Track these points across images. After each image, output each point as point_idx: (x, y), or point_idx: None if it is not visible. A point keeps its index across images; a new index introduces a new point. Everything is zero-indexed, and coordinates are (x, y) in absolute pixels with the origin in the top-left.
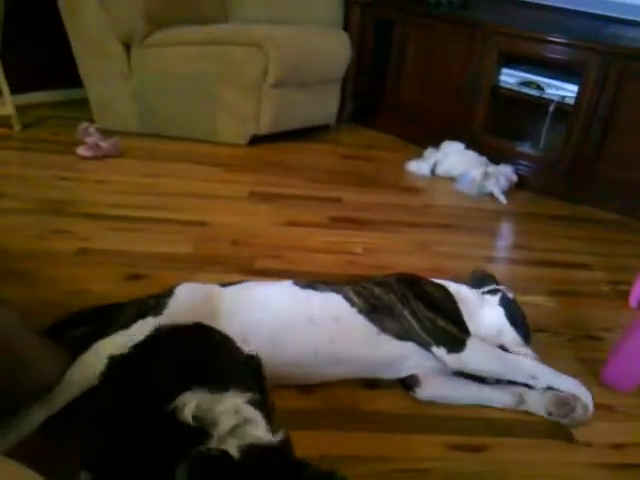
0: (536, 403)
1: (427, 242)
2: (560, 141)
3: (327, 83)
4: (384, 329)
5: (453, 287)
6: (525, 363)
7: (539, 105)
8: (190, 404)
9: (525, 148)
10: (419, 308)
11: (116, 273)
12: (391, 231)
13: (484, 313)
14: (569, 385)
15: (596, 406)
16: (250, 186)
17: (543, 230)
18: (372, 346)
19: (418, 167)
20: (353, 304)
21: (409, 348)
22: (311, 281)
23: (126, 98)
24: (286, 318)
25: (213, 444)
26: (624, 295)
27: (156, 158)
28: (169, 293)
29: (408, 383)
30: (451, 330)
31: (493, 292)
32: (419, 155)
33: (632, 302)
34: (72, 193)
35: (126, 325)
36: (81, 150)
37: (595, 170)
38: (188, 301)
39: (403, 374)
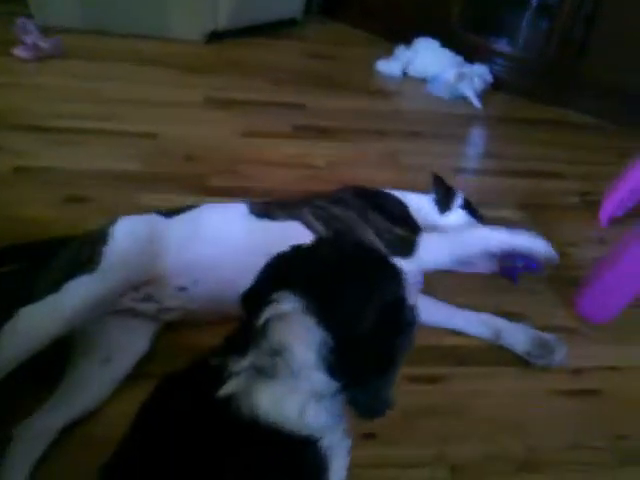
0: (515, 340)
1: (395, 152)
2: (541, 39)
3: None
4: None
5: (409, 197)
6: (477, 233)
7: None
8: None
9: (502, 45)
10: (377, 220)
11: (56, 195)
12: (357, 140)
13: (449, 219)
14: (528, 240)
15: (555, 329)
16: (206, 90)
17: (517, 136)
18: None
19: (388, 67)
20: (314, 230)
21: None
22: (267, 205)
23: None
24: (241, 254)
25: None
26: (593, 206)
27: (102, 58)
28: (104, 237)
29: None
30: (404, 236)
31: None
32: (390, 53)
33: (603, 222)
34: (7, 101)
35: (56, 286)
36: (18, 51)
37: (576, 71)
38: (128, 246)
39: None
